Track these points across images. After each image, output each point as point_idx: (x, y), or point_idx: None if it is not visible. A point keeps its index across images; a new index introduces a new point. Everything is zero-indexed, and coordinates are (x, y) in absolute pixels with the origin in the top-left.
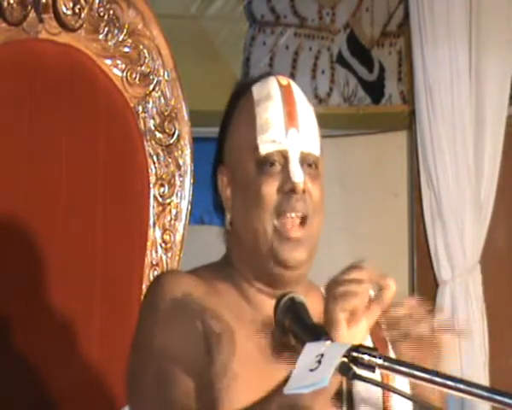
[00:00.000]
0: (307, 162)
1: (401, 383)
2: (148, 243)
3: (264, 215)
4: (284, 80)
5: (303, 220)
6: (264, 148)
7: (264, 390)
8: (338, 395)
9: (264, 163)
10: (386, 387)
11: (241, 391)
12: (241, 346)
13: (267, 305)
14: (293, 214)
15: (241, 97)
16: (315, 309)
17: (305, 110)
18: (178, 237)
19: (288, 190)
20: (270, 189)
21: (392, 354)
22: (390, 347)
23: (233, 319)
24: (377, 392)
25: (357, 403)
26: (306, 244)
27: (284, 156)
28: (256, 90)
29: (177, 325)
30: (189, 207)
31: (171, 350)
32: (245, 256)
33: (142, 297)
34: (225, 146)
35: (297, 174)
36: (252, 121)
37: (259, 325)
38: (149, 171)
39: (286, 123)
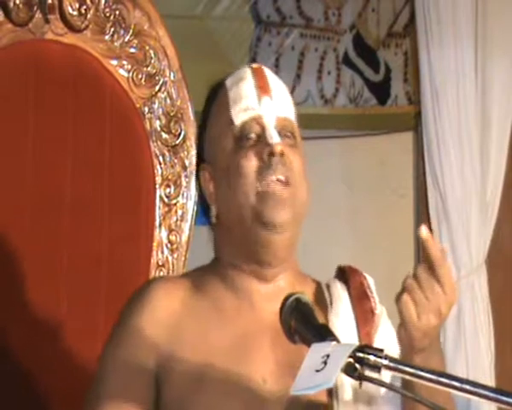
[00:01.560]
0: (284, 132)
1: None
2: (154, 244)
3: (247, 185)
4: (256, 65)
5: (286, 182)
6: (239, 118)
7: (237, 394)
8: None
9: (241, 137)
10: (391, 388)
11: (211, 392)
12: (215, 346)
13: (254, 292)
14: (274, 177)
15: (215, 93)
16: None
17: (278, 83)
18: (184, 237)
19: (267, 154)
20: (250, 159)
21: (379, 326)
22: (377, 318)
23: (213, 316)
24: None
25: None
26: (291, 204)
27: (260, 125)
28: (228, 81)
29: (127, 351)
30: (195, 207)
31: (111, 373)
32: (231, 238)
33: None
34: (204, 142)
35: (274, 136)
36: (225, 105)
37: (243, 316)
38: (155, 171)
39: (258, 93)
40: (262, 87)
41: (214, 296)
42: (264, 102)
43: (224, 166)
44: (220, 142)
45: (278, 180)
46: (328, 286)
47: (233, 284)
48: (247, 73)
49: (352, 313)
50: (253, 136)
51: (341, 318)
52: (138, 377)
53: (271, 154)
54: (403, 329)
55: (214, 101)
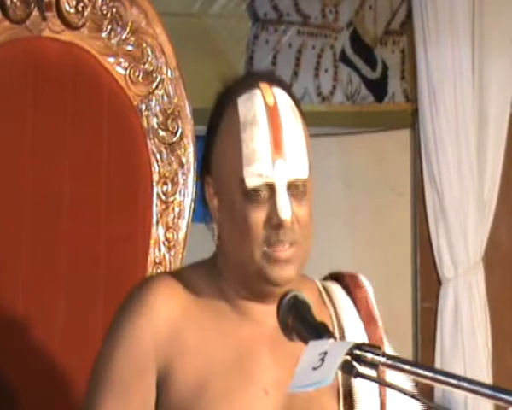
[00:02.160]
0: (295, 187)
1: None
2: (152, 241)
3: (252, 245)
4: (270, 98)
5: (292, 245)
6: (251, 181)
7: (239, 405)
8: (337, 391)
9: (251, 194)
10: (389, 385)
11: (212, 403)
12: (216, 356)
13: (254, 310)
14: (280, 247)
15: (225, 107)
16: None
17: (293, 132)
18: (181, 235)
19: (275, 224)
20: (258, 221)
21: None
22: (387, 345)
23: (214, 327)
24: (375, 387)
25: (356, 399)
26: (296, 262)
27: (271, 188)
28: (242, 108)
29: (126, 358)
30: (192, 205)
31: (111, 377)
32: (232, 271)
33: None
34: (212, 158)
35: (284, 210)
36: (237, 148)
37: (243, 329)
38: (152, 169)
39: (272, 153)
40: (276, 144)
41: (214, 307)
42: (277, 165)
43: (230, 209)
44: (228, 185)
45: (284, 246)
46: (326, 290)
47: (232, 302)
48: (260, 110)
49: (365, 336)
50: (263, 194)
51: (355, 337)
52: (139, 382)
53: (280, 226)
54: None
55: (223, 117)
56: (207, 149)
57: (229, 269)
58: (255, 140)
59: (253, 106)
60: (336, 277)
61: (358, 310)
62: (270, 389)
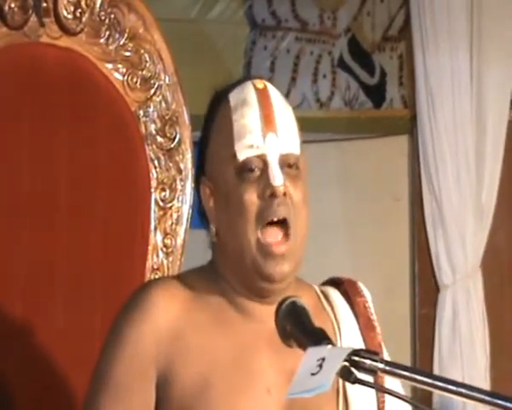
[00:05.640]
0: (287, 164)
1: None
2: (150, 248)
3: (247, 225)
4: (260, 84)
5: (286, 230)
6: (242, 154)
7: (242, 406)
8: (334, 394)
9: (243, 170)
10: (387, 391)
11: (215, 402)
12: (218, 356)
13: (256, 310)
14: (275, 219)
15: (218, 106)
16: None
17: (283, 112)
18: (179, 241)
19: (269, 194)
20: (251, 196)
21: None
22: (385, 351)
23: (214, 328)
24: (372, 392)
25: (352, 402)
26: (291, 258)
27: (263, 161)
28: (232, 97)
29: (127, 363)
30: (190, 211)
31: (113, 381)
32: (231, 268)
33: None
34: (206, 156)
35: (277, 178)
36: (229, 129)
37: (244, 329)
38: (150, 175)
39: (263, 128)
40: (267, 121)
41: (215, 308)
42: (268, 139)
43: (225, 193)
44: (221, 168)
45: (278, 228)
46: (325, 295)
47: (233, 301)
48: (250, 93)
49: (361, 342)
50: (255, 170)
51: (352, 342)
52: (139, 387)
53: (273, 195)
54: None
55: (216, 114)
56: (202, 149)
57: (228, 266)
58: (245, 117)
59: (243, 91)
60: (335, 282)
61: (357, 317)
62: (272, 388)
